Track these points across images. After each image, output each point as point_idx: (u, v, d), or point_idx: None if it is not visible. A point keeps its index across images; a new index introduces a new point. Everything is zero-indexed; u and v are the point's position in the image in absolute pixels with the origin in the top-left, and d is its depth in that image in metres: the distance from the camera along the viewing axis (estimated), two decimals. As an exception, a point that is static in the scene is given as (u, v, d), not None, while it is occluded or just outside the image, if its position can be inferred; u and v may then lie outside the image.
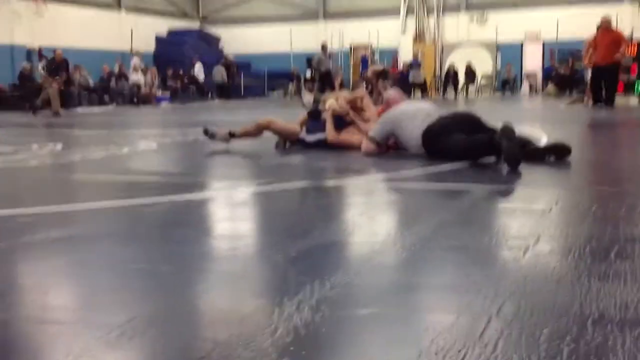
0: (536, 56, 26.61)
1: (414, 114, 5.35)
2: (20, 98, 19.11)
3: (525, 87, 25.64)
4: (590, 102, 13.24)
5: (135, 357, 1.60)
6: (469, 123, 5.13)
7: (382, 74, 17.66)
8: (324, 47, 20.66)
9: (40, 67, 16.76)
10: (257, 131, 6.31)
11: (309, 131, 6.07)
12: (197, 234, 2.88)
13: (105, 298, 2.02)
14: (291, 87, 27.40)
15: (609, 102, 12.55)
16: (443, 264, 2.31)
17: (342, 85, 22.54)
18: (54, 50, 16.65)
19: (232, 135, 6.32)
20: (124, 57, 25.14)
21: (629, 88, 18.85)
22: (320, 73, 20.19)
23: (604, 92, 12.78)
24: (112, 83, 22.31)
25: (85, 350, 1.57)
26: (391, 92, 6.15)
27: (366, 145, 5.56)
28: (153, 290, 2.06)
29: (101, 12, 25.79)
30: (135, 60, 24.05)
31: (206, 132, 6.41)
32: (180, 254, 2.49)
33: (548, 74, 25.18)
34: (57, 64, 16.20)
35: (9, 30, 22.32)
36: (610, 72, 12.63)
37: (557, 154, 4.86)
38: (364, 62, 23.19)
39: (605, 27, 12.74)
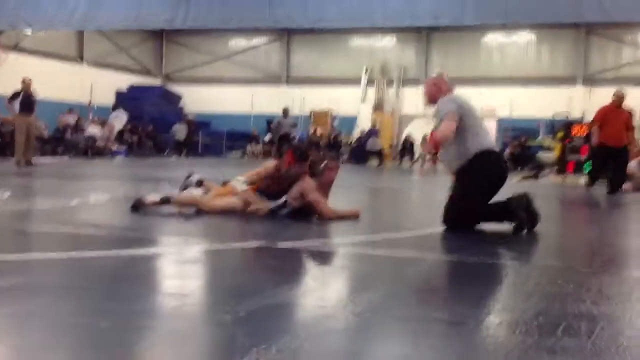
0: (491, 132, 27.27)
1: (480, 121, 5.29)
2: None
3: (480, 161, 26.13)
4: (586, 181, 11.73)
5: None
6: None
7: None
8: (285, 112, 20.88)
9: (10, 104, 14.06)
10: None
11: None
12: (142, 290, 2.81)
13: (42, 354, 1.93)
14: (249, 148, 27.50)
15: (615, 187, 10.63)
16: (392, 334, 2.28)
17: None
18: (22, 81, 14.38)
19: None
20: (82, 109, 24.97)
21: (579, 168, 19.35)
22: (279, 136, 20.36)
23: (608, 176, 10.94)
24: (68, 134, 22.06)
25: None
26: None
27: (446, 125, 4.99)
28: (90, 348, 1.98)
29: (62, 64, 25.71)
30: (117, 114, 24.23)
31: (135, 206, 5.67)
32: (122, 310, 2.41)
33: (502, 150, 25.78)
34: (28, 96, 14.13)
35: (-33, 76, 22.05)
36: (620, 155, 10.87)
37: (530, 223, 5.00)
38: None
39: (617, 105, 11.07)
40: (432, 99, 5.44)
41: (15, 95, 14.14)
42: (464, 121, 5.09)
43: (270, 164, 5.87)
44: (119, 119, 24.88)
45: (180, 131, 25.64)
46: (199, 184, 6.15)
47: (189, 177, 6.28)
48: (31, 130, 14.34)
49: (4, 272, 2.99)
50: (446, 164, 5.42)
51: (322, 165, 5.67)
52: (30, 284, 2.83)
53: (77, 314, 2.34)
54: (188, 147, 25.79)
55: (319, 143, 24.60)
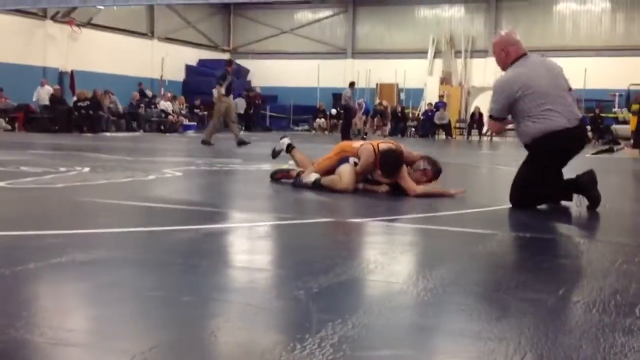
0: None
1: (548, 80, 4.94)
2: (50, 120, 19.43)
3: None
4: None
5: (155, 386, 1.60)
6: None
7: None
8: (351, 85, 20.85)
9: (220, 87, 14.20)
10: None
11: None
12: (218, 265, 2.90)
13: (127, 324, 2.03)
14: (317, 122, 27.58)
15: None
16: (465, 310, 2.29)
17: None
18: (229, 62, 15.07)
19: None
20: (154, 84, 25.52)
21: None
22: (345, 109, 20.39)
23: None
24: (141, 110, 22.58)
25: (107, 375, 1.58)
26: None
27: (491, 124, 5.21)
28: (173, 320, 2.06)
29: (134, 39, 26.25)
30: (237, 101, 24.70)
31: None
32: (201, 285, 2.50)
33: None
34: (230, 79, 14.23)
35: (43, 52, 22.77)
36: None
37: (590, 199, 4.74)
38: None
39: None
40: (503, 66, 5.13)
41: (223, 78, 14.30)
42: (523, 104, 4.78)
43: (366, 157, 5.52)
44: (239, 105, 25.44)
45: (239, 105, 25.94)
46: (289, 148, 6.35)
47: (282, 138, 6.53)
48: (232, 112, 14.65)
49: (86, 246, 3.13)
50: (517, 136, 5.19)
51: (425, 169, 5.58)
52: (112, 258, 2.95)
53: (159, 288, 2.43)
54: (248, 121, 26.01)
55: (383, 112, 24.71)
